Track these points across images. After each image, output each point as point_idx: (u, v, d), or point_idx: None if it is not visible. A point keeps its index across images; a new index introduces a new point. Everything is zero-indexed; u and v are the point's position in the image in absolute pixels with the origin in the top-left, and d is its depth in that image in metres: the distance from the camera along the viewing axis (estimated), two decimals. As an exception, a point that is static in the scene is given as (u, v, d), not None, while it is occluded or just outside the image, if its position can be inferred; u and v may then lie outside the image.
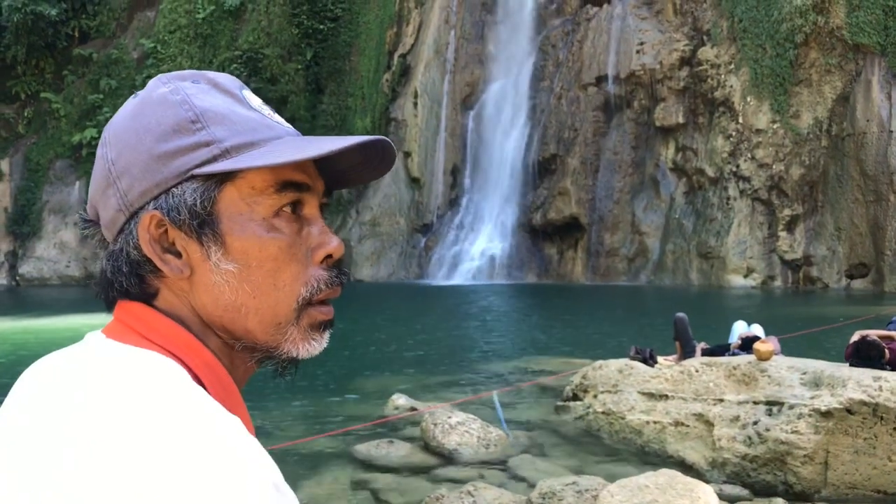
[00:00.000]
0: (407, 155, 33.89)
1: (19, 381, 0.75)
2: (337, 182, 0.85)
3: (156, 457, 0.60)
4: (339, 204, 33.61)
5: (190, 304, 0.76)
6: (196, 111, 0.75)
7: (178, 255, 0.75)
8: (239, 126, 0.75)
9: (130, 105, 0.78)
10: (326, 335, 0.80)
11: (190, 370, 0.72)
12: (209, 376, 0.73)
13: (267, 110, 0.80)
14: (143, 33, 35.26)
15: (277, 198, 0.75)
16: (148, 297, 0.76)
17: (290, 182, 0.76)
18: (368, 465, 6.15)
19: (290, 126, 0.81)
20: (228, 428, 0.64)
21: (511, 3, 35.36)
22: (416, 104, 34.00)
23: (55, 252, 32.70)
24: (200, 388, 0.69)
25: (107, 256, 0.78)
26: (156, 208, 0.74)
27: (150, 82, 0.79)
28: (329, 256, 0.78)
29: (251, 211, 0.75)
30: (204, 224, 0.74)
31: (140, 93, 0.78)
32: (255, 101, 0.80)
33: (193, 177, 0.74)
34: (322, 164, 0.81)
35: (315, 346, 0.78)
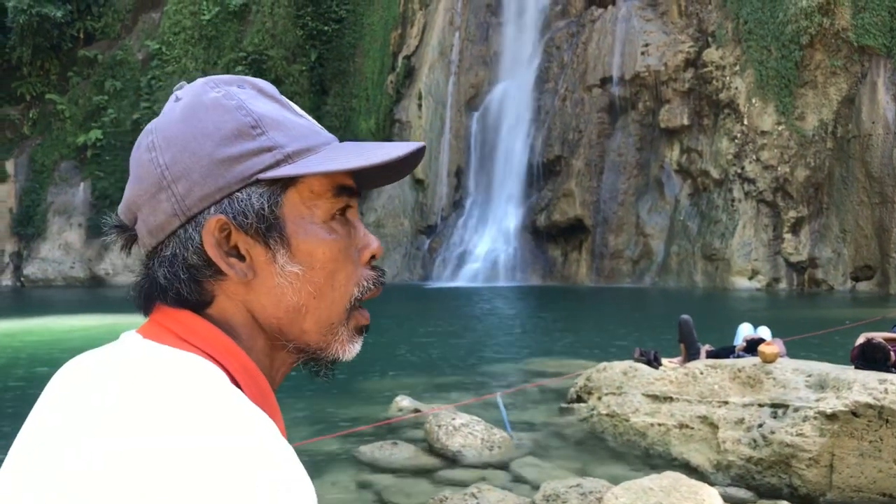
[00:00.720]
0: (411, 156, 33.92)
1: (53, 380, 0.75)
2: (360, 185, 0.86)
3: (192, 459, 0.60)
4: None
5: (244, 308, 0.77)
6: (254, 116, 0.76)
7: (242, 258, 0.76)
8: (294, 132, 0.77)
9: (179, 109, 0.77)
10: (362, 339, 0.83)
11: (228, 373, 0.73)
12: (246, 380, 0.74)
13: (308, 116, 0.82)
14: (147, 35, 35.34)
15: (334, 202, 0.79)
16: (203, 305, 0.77)
17: (344, 186, 0.79)
18: (372, 467, 6.15)
19: (328, 132, 0.83)
20: (267, 431, 0.65)
21: (515, 5, 35.36)
22: (420, 106, 34.02)
23: (60, 253, 32.77)
24: (238, 391, 0.70)
25: (158, 262, 0.77)
26: (219, 213, 0.75)
27: (194, 87, 0.79)
28: (373, 257, 0.82)
29: (312, 214, 0.77)
30: (271, 227, 0.76)
31: (185, 96, 0.78)
32: (296, 107, 0.82)
33: (258, 181, 0.75)
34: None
35: (356, 348, 0.82)
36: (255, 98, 0.78)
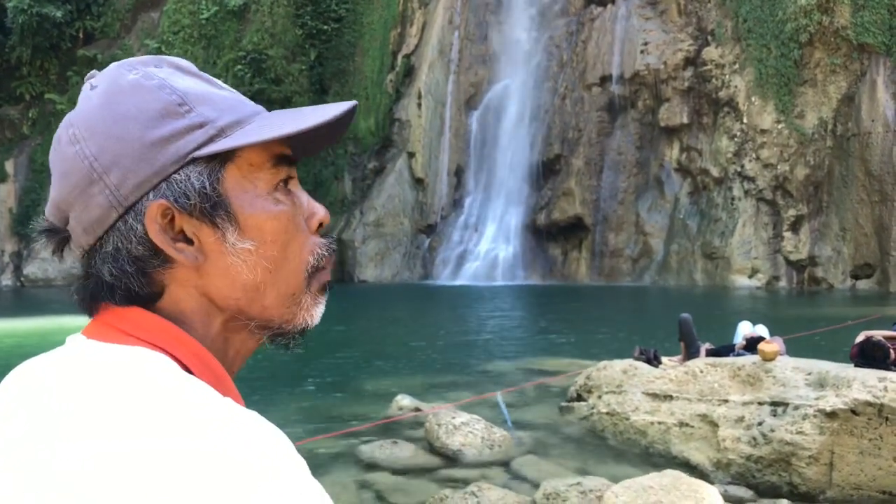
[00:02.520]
0: (411, 155, 33.91)
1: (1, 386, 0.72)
2: (298, 152, 0.83)
3: (156, 454, 0.59)
4: (343, 204, 33.65)
5: (197, 293, 0.74)
6: (179, 93, 0.73)
7: (190, 242, 0.73)
8: (222, 105, 0.74)
9: (96, 96, 0.74)
10: (325, 297, 0.81)
11: (179, 361, 0.70)
12: (199, 366, 0.71)
13: (231, 89, 0.79)
14: (147, 34, 35.34)
15: (275, 172, 0.76)
16: (154, 297, 0.74)
17: (282, 156, 0.76)
18: (372, 466, 6.15)
19: (253, 102, 0.80)
20: (224, 412, 0.63)
21: (515, 4, 35.35)
22: (419, 105, 34.01)
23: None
24: (192, 376, 0.68)
25: (99, 259, 0.74)
26: (159, 198, 0.71)
27: (108, 71, 0.76)
28: (321, 224, 0.80)
29: (255, 187, 0.75)
30: (216, 206, 0.73)
31: (100, 83, 0.75)
32: (217, 80, 0.79)
33: (194, 160, 0.72)
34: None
35: (321, 309, 0.80)
36: (175, 75, 0.75)
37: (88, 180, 0.72)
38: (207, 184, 0.72)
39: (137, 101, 0.72)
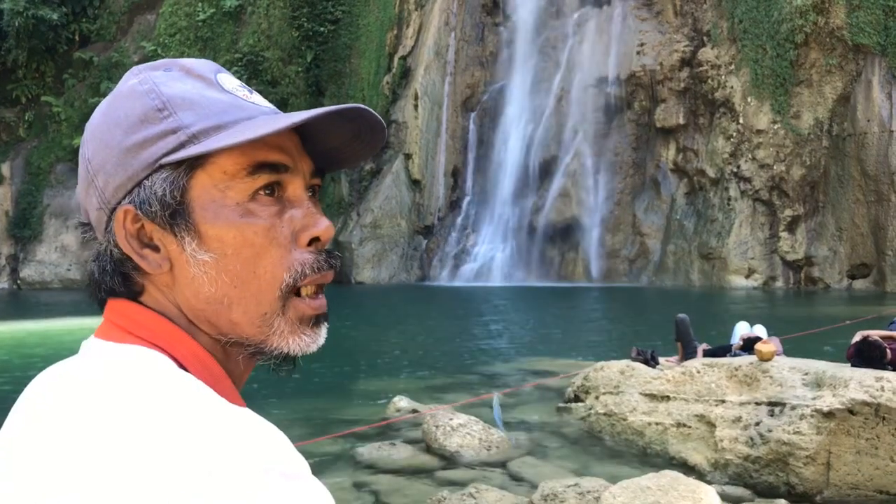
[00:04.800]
0: (408, 157, 33.90)
1: (22, 396, 0.74)
2: (330, 163, 0.81)
3: (158, 454, 0.59)
4: (340, 206, 33.63)
5: (175, 300, 0.73)
6: (163, 98, 0.72)
7: (157, 249, 0.73)
8: (207, 110, 0.72)
9: (105, 101, 0.76)
10: (321, 330, 0.76)
11: (176, 361, 0.71)
12: (195, 365, 0.71)
13: (244, 91, 0.76)
14: (143, 36, 35.28)
15: (251, 181, 0.72)
16: (134, 296, 0.75)
17: (264, 163, 0.72)
18: (370, 467, 6.15)
19: (272, 106, 0.77)
20: (221, 411, 0.63)
21: (511, 5, 35.37)
22: (416, 106, 34.01)
23: (56, 255, 32.70)
24: (188, 374, 0.68)
25: (94, 257, 0.76)
26: (129, 203, 0.72)
27: (125, 75, 0.77)
28: (317, 240, 0.75)
29: (224, 196, 0.71)
30: (175, 214, 0.71)
31: (114, 88, 0.77)
32: (232, 83, 0.76)
33: (162, 166, 0.71)
34: (309, 143, 0.78)
35: (307, 341, 0.74)
36: (176, 79, 0.74)
37: (87, 182, 0.75)
38: (168, 191, 0.71)
39: (126, 107, 0.73)
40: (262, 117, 0.73)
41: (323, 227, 0.74)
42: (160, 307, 0.74)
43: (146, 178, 0.72)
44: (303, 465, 0.63)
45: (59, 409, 0.65)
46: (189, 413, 0.62)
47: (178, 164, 0.71)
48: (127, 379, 0.66)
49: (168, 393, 0.64)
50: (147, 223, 0.72)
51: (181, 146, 0.71)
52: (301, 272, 0.73)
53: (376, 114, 0.77)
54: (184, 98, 0.72)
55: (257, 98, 0.77)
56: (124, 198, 0.72)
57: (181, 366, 0.71)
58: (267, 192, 0.73)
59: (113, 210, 0.73)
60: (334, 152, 0.81)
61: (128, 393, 0.64)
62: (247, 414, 0.64)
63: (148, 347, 0.71)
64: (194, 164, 0.71)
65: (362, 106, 0.75)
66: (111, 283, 0.74)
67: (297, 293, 0.74)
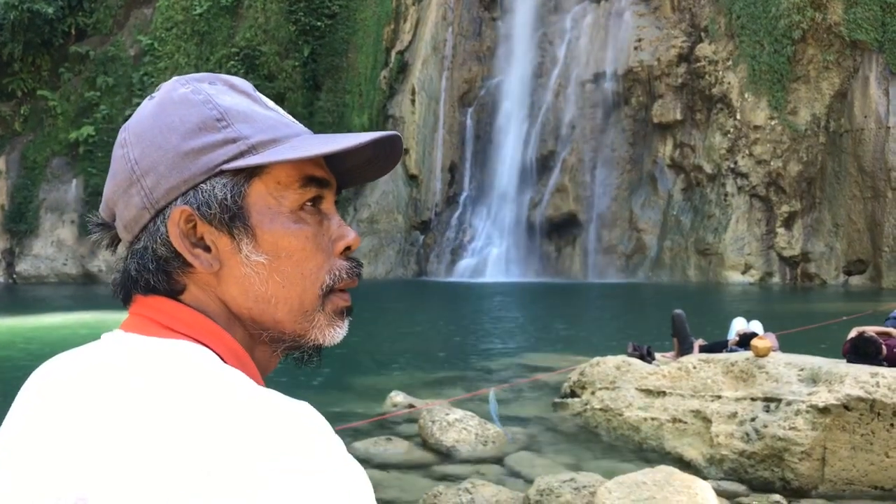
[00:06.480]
0: (405, 152, 33.79)
1: (34, 385, 0.75)
2: (344, 180, 0.88)
3: (224, 443, 0.62)
4: (337, 202, 33.48)
5: (217, 298, 0.78)
6: (220, 109, 0.77)
7: (208, 249, 0.77)
8: (261, 124, 0.78)
9: (149, 106, 0.79)
10: (346, 322, 0.84)
11: (218, 355, 0.74)
12: (233, 360, 0.75)
13: (280, 110, 0.83)
14: (139, 30, 35.17)
15: (302, 192, 0.79)
16: (174, 294, 0.78)
17: (312, 177, 0.79)
18: (366, 463, 6.15)
19: (301, 125, 0.83)
20: (275, 399, 0.68)
21: (508, 0, 35.33)
22: (413, 101, 33.97)
23: (52, 250, 32.64)
24: (235, 369, 0.71)
25: (130, 255, 0.79)
26: (184, 204, 0.76)
27: (166, 84, 0.81)
28: (348, 248, 0.82)
29: (279, 204, 0.78)
30: (235, 218, 0.76)
31: (157, 95, 0.80)
32: (269, 101, 0.83)
33: (222, 172, 0.76)
34: (332, 161, 0.83)
35: (338, 331, 0.82)
36: (225, 93, 0.80)
37: (129, 181, 0.78)
38: (230, 196, 0.76)
39: (181, 114, 0.77)
40: (310, 135, 0.81)
41: (353, 236, 0.83)
42: (200, 304, 0.78)
43: (203, 182, 0.76)
44: (324, 456, 0.64)
45: (118, 399, 0.67)
46: (254, 402, 0.66)
47: (237, 172, 0.77)
48: (187, 371, 0.69)
49: (229, 384, 0.68)
50: (201, 224, 0.77)
51: (241, 155, 0.76)
52: (339, 276, 0.81)
53: (402, 142, 0.84)
54: (238, 111, 0.78)
55: (290, 117, 0.84)
56: (175, 199, 0.76)
57: (222, 360, 0.74)
58: (311, 203, 0.80)
59: (159, 211, 0.77)
60: (350, 171, 0.88)
61: (191, 386, 0.67)
62: (277, 401, 0.67)
63: (190, 342, 0.74)
64: (253, 172, 0.77)
65: (398, 135, 0.82)
66: (153, 281, 0.77)
67: (332, 290, 0.82)
